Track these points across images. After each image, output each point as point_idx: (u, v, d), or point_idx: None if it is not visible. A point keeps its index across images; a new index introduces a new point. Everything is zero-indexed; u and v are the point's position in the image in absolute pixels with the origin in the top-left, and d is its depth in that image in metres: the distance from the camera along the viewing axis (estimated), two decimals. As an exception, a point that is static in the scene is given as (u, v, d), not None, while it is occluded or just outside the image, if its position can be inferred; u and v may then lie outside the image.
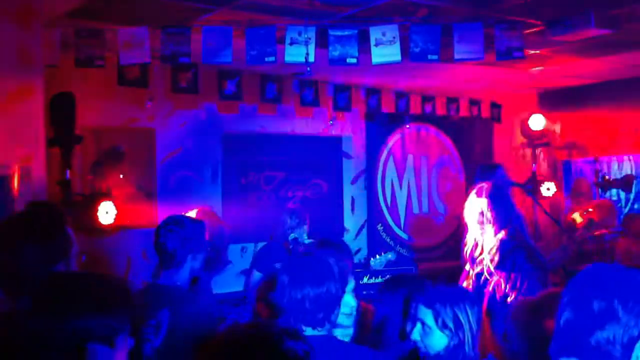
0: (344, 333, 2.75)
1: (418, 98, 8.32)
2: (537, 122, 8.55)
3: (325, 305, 2.47)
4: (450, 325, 2.48)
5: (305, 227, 5.45)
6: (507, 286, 3.86)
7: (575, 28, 5.12)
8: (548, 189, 8.53)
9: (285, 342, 1.53)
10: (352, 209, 8.39)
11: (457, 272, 4.27)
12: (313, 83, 7.07)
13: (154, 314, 2.86)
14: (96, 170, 6.30)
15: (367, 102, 7.82)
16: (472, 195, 4.14)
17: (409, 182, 8.88)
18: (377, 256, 6.08)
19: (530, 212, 8.13)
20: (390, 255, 6.10)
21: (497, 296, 3.90)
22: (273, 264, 4.66)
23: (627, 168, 9.21)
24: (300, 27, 5.01)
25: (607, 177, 8.16)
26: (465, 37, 5.04)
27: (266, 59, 5.07)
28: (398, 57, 5.06)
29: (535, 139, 8.76)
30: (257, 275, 5.19)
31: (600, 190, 8.47)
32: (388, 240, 8.56)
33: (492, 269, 3.96)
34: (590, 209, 7.26)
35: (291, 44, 5.03)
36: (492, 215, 4.00)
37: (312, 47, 5.02)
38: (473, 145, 9.41)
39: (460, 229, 4.63)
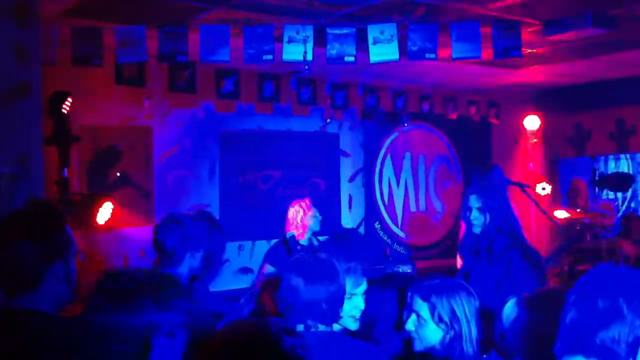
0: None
1: (416, 97, 8.33)
2: (532, 122, 8.59)
3: (338, 302, 2.55)
4: (446, 319, 2.45)
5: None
6: (503, 284, 3.87)
7: (572, 27, 5.13)
8: (543, 188, 8.57)
9: (285, 342, 1.54)
10: (350, 207, 8.40)
11: (454, 270, 4.28)
12: (310, 81, 7.07)
13: None
14: (93, 169, 6.30)
15: (365, 101, 7.83)
16: (468, 193, 4.15)
17: (406, 181, 8.89)
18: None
19: (527, 210, 8.14)
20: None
21: (492, 293, 3.90)
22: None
23: (624, 167, 9.23)
24: (298, 25, 5.01)
25: (603, 175, 8.17)
26: (462, 36, 5.05)
27: (264, 58, 5.07)
28: (396, 56, 5.07)
29: (532, 138, 8.80)
30: (270, 269, 5.20)
31: (596, 189, 8.49)
32: (385, 238, 8.58)
33: (487, 267, 3.97)
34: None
35: (289, 42, 5.03)
36: (487, 214, 4.00)
37: (310, 46, 5.02)
38: (470, 144, 9.42)
39: (457, 228, 4.64)
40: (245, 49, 5.05)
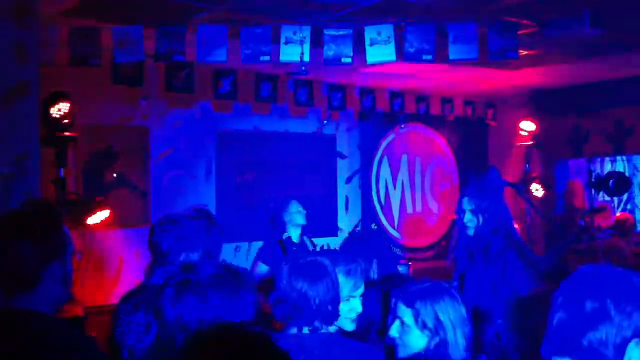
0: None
1: (412, 98, 8.34)
2: (529, 123, 8.60)
3: (338, 301, 2.59)
4: (430, 325, 2.38)
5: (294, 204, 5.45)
6: (499, 285, 3.88)
7: (569, 29, 5.14)
8: (537, 189, 8.58)
9: (277, 342, 1.54)
10: (346, 209, 8.40)
11: (451, 271, 4.29)
12: (307, 82, 7.07)
13: (145, 314, 2.86)
14: (90, 169, 6.30)
15: (362, 102, 7.83)
16: (464, 195, 4.16)
17: (402, 182, 8.90)
18: None
19: (523, 211, 8.16)
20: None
21: (488, 295, 3.91)
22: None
23: (620, 168, 9.25)
24: (295, 26, 5.02)
25: (600, 177, 8.18)
26: (459, 37, 5.06)
27: (261, 58, 5.07)
28: (393, 57, 5.08)
29: (528, 140, 8.81)
30: (263, 267, 5.19)
31: (593, 190, 8.50)
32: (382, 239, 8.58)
33: (484, 268, 3.97)
34: None
35: (286, 43, 5.04)
36: (481, 216, 4.01)
37: (307, 47, 5.03)
38: (467, 145, 9.44)
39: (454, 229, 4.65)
40: (243, 50, 5.05)
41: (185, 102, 6.93)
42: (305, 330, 2.52)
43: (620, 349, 1.56)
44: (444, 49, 5.12)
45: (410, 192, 8.97)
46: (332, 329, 2.61)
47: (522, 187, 7.81)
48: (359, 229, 8.38)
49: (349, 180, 8.45)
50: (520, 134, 9.00)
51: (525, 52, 6.04)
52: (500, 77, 7.81)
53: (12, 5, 3.70)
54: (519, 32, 5.23)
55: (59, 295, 2.04)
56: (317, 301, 2.50)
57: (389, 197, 8.77)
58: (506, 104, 9.38)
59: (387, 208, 8.72)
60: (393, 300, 2.48)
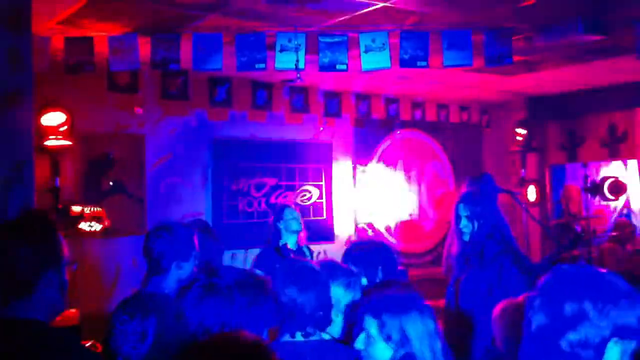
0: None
1: (408, 104, 8.36)
2: (524, 128, 8.63)
3: (330, 307, 2.60)
4: (395, 337, 2.26)
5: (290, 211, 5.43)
6: (494, 290, 3.88)
7: (564, 34, 5.16)
8: (531, 192, 8.61)
9: (272, 351, 1.55)
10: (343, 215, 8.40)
11: (447, 277, 4.29)
12: (303, 89, 7.09)
13: (141, 322, 2.86)
14: (86, 177, 6.29)
15: (357, 108, 7.85)
16: (460, 201, 4.17)
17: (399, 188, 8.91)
18: None
19: (519, 217, 8.17)
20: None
21: (484, 299, 3.91)
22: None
23: (616, 173, 9.26)
24: (290, 33, 5.03)
25: (596, 182, 8.20)
26: (454, 44, 5.08)
27: (256, 66, 5.08)
28: (388, 64, 5.09)
29: (523, 145, 8.83)
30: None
31: (589, 195, 8.52)
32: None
33: (479, 272, 3.98)
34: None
35: (281, 50, 5.05)
36: (476, 222, 4.03)
37: (302, 54, 5.04)
38: (463, 151, 9.46)
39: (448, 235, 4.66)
40: (238, 57, 5.06)
41: (181, 109, 6.94)
42: (299, 336, 2.52)
43: (600, 349, 1.57)
44: (439, 56, 5.15)
45: (407, 198, 8.98)
46: (325, 336, 2.62)
47: (517, 193, 7.82)
48: (353, 237, 8.38)
49: (345, 186, 8.44)
50: (516, 140, 9.03)
51: (519, 58, 6.07)
52: (495, 83, 7.83)
53: (6, 13, 3.70)
54: (513, 39, 5.25)
55: (55, 303, 2.03)
56: (308, 307, 2.51)
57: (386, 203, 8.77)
58: (501, 110, 9.41)
59: (383, 214, 8.73)
60: (360, 311, 2.38)
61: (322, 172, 8.19)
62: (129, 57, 4.88)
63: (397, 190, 8.88)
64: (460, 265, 4.15)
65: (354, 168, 8.51)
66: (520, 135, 8.92)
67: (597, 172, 9.33)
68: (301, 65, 5.05)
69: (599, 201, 8.87)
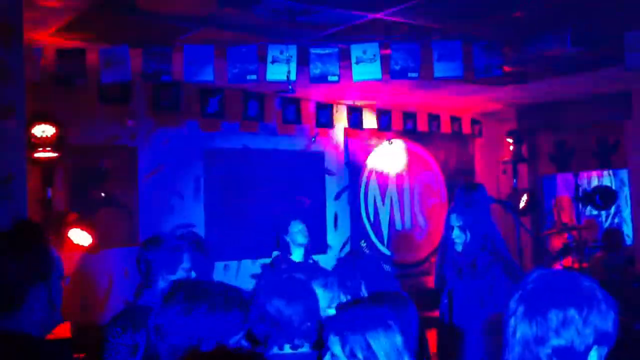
0: None
1: (399, 115, 8.39)
2: (515, 139, 8.67)
3: (317, 319, 2.59)
4: (360, 355, 2.16)
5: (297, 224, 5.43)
6: (486, 300, 3.90)
7: (552, 46, 5.21)
8: (524, 200, 8.64)
9: None
10: (335, 226, 8.41)
11: (438, 288, 4.30)
12: (295, 100, 7.10)
13: (132, 335, 2.86)
14: (78, 189, 6.28)
15: (349, 119, 7.87)
16: (452, 211, 4.19)
17: (391, 198, 8.92)
18: None
19: (511, 228, 8.19)
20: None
21: (476, 310, 3.92)
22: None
23: (607, 183, 9.32)
24: (282, 45, 5.06)
25: (587, 191, 8.24)
26: (444, 55, 5.11)
27: (248, 77, 5.10)
28: (379, 75, 5.12)
29: (515, 155, 8.87)
30: None
31: (580, 205, 8.56)
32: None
33: (471, 282, 4.00)
34: None
35: (273, 62, 5.07)
36: (468, 232, 4.04)
37: (293, 65, 5.06)
38: (454, 161, 9.49)
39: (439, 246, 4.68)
40: (230, 69, 5.08)
41: (173, 121, 6.94)
42: (287, 348, 2.52)
43: (584, 356, 1.58)
44: (430, 67, 5.18)
45: (399, 208, 9.00)
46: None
47: (509, 204, 7.85)
48: (347, 247, 8.39)
49: (337, 197, 8.46)
50: (507, 150, 9.08)
51: (509, 69, 6.11)
52: (486, 93, 7.87)
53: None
54: (503, 50, 5.29)
55: (45, 318, 2.01)
56: (295, 319, 2.50)
57: (378, 214, 8.78)
58: (492, 121, 9.46)
59: (376, 224, 8.74)
60: (325, 331, 2.30)
61: (315, 182, 8.19)
62: (121, 69, 4.88)
63: (390, 201, 8.89)
64: (453, 276, 4.16)
65: (346, 178, 8.53)
66: (511, 145, 8.96)
67: (588, 181, 9.38)
68: (292, 76, 5.07)
69: (590, 211, 8.92)
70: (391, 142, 8.72)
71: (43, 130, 5.41)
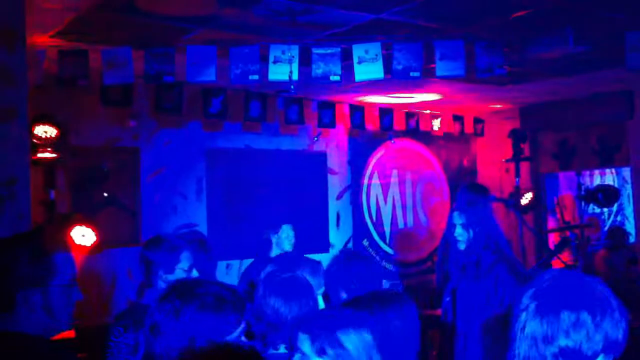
0: None
1: (402, 114, 8.39)
2: (517, 138, 8.65)
3: None
4: (330, 351, 2.07)
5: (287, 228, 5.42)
6: (491, 300, 3.89)
7: (553, 46, 5.21)
8: (526, 198, 8.64)
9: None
10: (338, 225, 8.42)
11: (440, 287, 4.31)
12: (297, 100, 7.11)
13: (133, 334, 2.88)
14: (80, 190, 6.29)
15: (351, 118, 7.88)
16: (455, 209, 4.19)
17: (393, 197, 8.93)
18: None
19: (513, 226, 8.19)
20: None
21: (480, 310, 3.92)
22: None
23: (610, 181, 9.32)
24: (284, 45, 5.06)
25: (589, 189, 8.24)
26: (446, 55, 5.12)
27: (250, 78, 5.10)
28: (381, 75, 5.12)
29: (517, 154, 8.85)
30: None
31: (583, 203, 8.56)
32: (374, 255, 8.59)
33: (474, 283, 3.99)
34: None
35: (275, 62, 5.08)
36: (471, 230, 4.04)
37: (295, 65, 5.06)
38: (456, 160, 9.49)
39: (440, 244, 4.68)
40: (232, 69, 5.08)
41: (175, 121, 6.95)
42: (282, 348, 2.50)
43: None
44: (432, 66, 5.18)
45: (402, 207, 9.00)
46: None
47: (511, 202, 7.85)
48: (349, 246, 8.40)
49: (340, 196, 8.47)
50: (509, 149, 9.07)
51: (511, 69, 6.11)
52: (488, 93, 7.87)
53: None
54: (505, 49, 5.29)
55: (40, 324, 2.01)
56: (292, 318, 2.47)
57: (380, 213, 8.79)
58: (494, 119, 9.45)
59: (378, 224, 8.74)
60: (293, 333, 2.22)
61: (317, 181, 8.20)
62: (123, 71, 4.89)
63: (392, 200, 8.90)
64: (456, 275, 4.16)
65: (349, 177, 8.54)
66: (513, 144, 8.95)
67: (591, 180, 9.38)
68: (295, 76, 5.07)
69: (593, 209, 8.92)
70: (393, 141, 8.73)
71: (45, 131, 5.42)
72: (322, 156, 8.28)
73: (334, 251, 8.20)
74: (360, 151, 8.61)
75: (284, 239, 5.30)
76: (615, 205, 9.04)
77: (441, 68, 5.17)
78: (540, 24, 5.10)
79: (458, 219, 4.11)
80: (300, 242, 5.58)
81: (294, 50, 5.06)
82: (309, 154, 8.13)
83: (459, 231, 4.09)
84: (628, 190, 8.97)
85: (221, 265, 7.05)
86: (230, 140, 7.47)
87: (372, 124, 8.17)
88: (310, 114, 7.58)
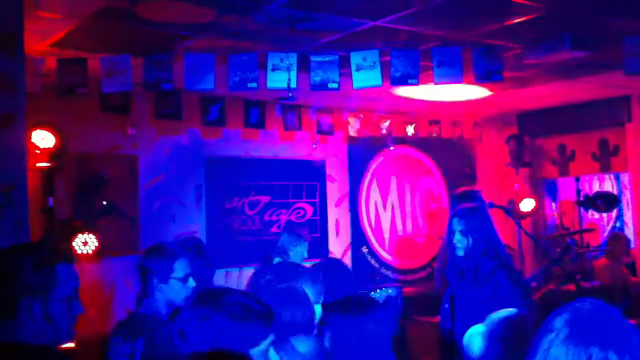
0: None
1: (400, 120, 8.40)
2: (515, 144, 8.68)
3: (312, 330, 2.58)
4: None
5: (305, 245, 5.47)
6: (489, 306, 3.88)
7: (551, 51, 5.22)
8: (527, 205, 8.63)
9: None
10: (337, 232, 8.41)
11: (439, 293, 4.30)
12: (296, 108, 7.12)
13: (130, 344, 2.89)
14: (79, 197, 6.29)
15: (350, 126, 7.88)
16: (454, 216, 4.19)
17: (392, 204, 8.92)
18: (378, 290, 6.07)
19: (512, 233, 8.19)
20: (390, 291, 6.09)
21: (479, 317, 3.91)
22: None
23: (609, 187, 9.31)
24: (282, 53, 5.07)
25: (589, 196, 8.25)
26: (444, 61, 5.12)
27: (248, 85, 5.11)
28: (379, 82, 5.12)
29: (516, 160, 8.87)
30: None
31: (582, 208, 8.56)
32: (373, 262, 8.58)
33: (473, 289, 3.99)
34: None
35: (273, 70, 5.08)
36: (470, 236, 4.03)
37: (293, 73, 5.07)
38: (456, 166, 9.48)
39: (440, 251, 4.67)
40: (230, 77, 5.09)
41: (174, 129, 6.95)
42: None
43: None
44: (429, 73, 5.19)
45: (401, 213, 8.99)
46: None
47: (510, 208, 7.84)
48: (348, 253, 8.39)
49: (338, 203, 8.46)
50: (508, 154, 9.08)
51: (509, 74, 6.12)
52: (486, 98, 7.88)
53: (-1, 37, 3.73)
54: (503, 55, 5.30)
55: (41, 333, 2.01)
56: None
57: (380, 219, 8.78)
58: (493, 125, 9.46)
59: (377, 230, 8.73)
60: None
61: (316, 189, 8.20)
62: (122, 78, 4.89)
63: (391, 207, 8.89)
64: (454, 281, 4.15)
65: (348, 184, 8.53)
66: (512, 149, 8.96)
67: (590, 185, 9.38)
68: (293, 84, 5.07)
69: (592, 214, 8.91)
70: (392, 148, 8.73)
71: (44, 138, 5.42)
72: (321, 163, 8.28)
73: (333, 258, 8.19)
74: (359, 158, 8.61)
75: (298, 253, 5.33)
76: (614, 211, 9.03)
77: (439, 75, 5.18)
78: (537, 28, 5.11)
79: (457, 226, 4.10)
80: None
81: (292, 58, 5.07)
82: (308, 161, 8.13)
83: (457, 237, 4.08)
84: (627, 195, 8.96)
85: (220, 273, 7.03)
86: (229, 147, 7.48)
87: (370, 130, 8.17)
88: (309, 121, 7.59)
